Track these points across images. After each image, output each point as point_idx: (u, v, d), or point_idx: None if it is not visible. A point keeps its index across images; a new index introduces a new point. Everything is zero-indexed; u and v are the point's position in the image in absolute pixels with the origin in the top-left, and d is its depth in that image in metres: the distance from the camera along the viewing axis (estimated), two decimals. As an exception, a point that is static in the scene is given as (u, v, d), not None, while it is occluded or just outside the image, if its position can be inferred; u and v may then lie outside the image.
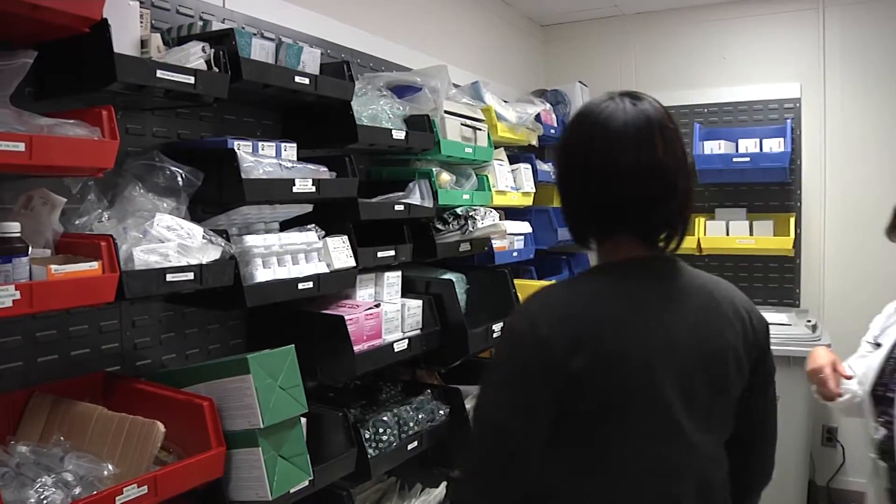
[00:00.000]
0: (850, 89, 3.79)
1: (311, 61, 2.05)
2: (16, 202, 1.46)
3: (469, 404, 2.44)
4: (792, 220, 3.76)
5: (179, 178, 1.71)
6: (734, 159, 3.62)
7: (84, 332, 1.69)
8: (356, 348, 2.00)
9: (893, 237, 1.90)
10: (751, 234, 3.77)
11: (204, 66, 1.64)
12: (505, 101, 3.28)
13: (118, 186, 1.67)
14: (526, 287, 3.12)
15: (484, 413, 1.18)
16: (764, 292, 3.96)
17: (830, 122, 3.83)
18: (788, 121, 3.70)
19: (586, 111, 1.22)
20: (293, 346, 1.72)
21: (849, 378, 1.89)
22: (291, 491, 1.67)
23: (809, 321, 3.46)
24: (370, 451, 2.05)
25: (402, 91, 2.60)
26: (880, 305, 3.85)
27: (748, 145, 3.73)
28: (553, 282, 1.26)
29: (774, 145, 3.65)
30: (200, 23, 1.84)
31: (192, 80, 1.58)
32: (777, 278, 3.93)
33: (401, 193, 2.40)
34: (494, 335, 2.58)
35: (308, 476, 1.71)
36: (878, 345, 1.91)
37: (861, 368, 1.93)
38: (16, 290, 1.24)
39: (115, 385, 1.68)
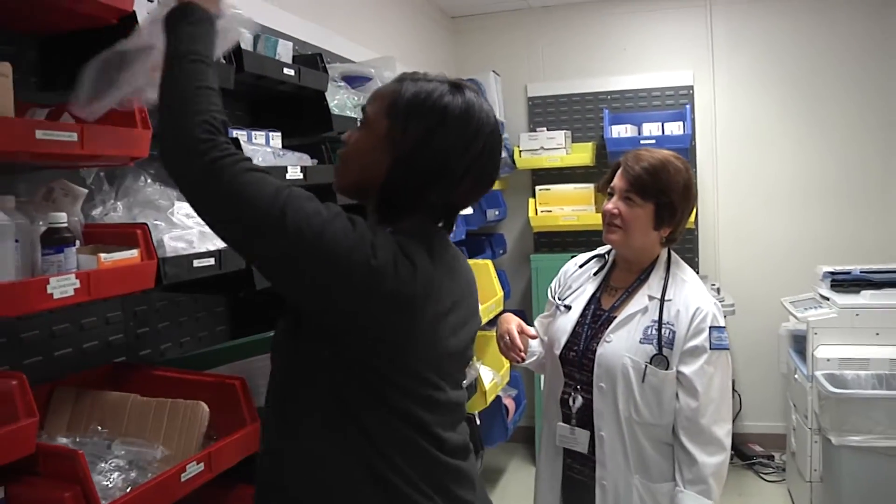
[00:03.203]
0: (738, 76, 4.23)
1: (284, 53, 2.10)
2: (35, 194, 1.45)
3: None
4: (690, 196, 4.12)
5: (182, 168, 1.72)
6: (641, 142, 3.94)
7: (94, 325, 1.69)
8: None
9: (604, 192, 1.91)
10: (655, 208, 4.08)
11: (211, 57, 1.67)
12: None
13: (122, 177, 1.67)
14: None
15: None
16: (667, 262, 4.33)
17: (721, 106, 4.26)
18: (687, 106, 4.07)
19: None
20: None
21: (534, 338, 1.89)
22: (313, 463, 1.75)
23: (714, 285, 3.85)
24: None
25: (350, 81, 2.68)
26: (767, 269, 4.31)
27: (651, 129, 4.07)
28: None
29: (675, 128, 4.01)
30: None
31: (204, 70, 1.61)
32: (678, 249, 4.27)
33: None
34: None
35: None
36: (568, 307, 1.90)
37: (546, 327, 1.97)
38: (76, 278, 1.25)
39: (130, 374, 1.69)
